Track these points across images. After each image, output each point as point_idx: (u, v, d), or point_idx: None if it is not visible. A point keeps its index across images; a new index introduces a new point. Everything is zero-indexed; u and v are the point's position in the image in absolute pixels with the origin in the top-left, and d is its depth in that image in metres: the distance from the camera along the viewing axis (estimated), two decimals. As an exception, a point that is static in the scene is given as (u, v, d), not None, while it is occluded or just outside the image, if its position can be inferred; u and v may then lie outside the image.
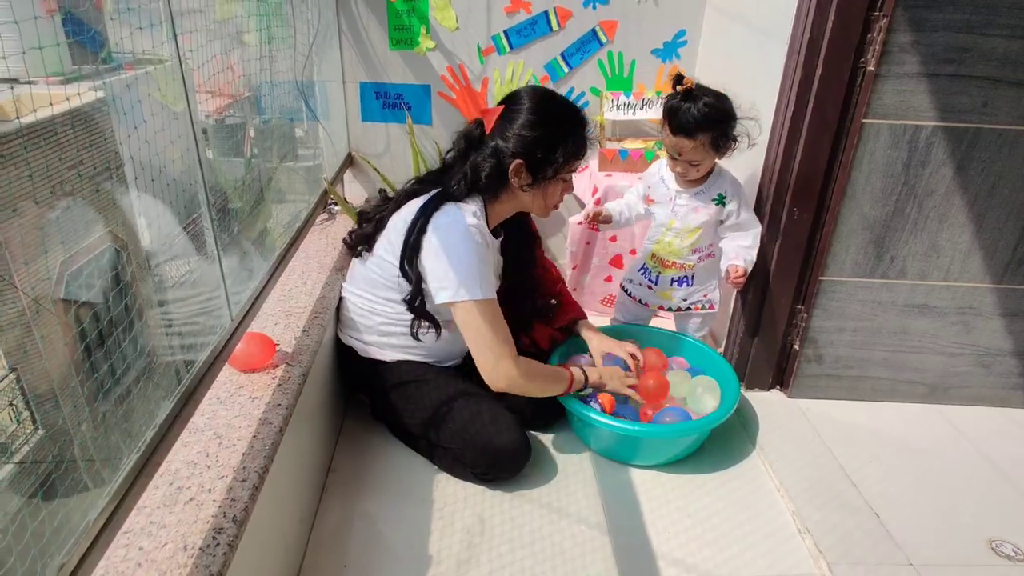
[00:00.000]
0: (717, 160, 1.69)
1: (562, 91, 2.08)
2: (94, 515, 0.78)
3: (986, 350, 1.83)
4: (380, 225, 1.60)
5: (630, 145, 2.29)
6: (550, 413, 1.72)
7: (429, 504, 1.51)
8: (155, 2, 1.06)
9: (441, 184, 1.55)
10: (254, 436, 1.15)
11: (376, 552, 1.38)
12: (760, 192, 1.77)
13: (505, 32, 2.27)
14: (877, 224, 1.69)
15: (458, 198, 1.50)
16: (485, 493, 1.55)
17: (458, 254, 1.44)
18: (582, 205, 2.37)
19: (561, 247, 2.52)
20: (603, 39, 2.28)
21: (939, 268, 1.73)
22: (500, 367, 1.47)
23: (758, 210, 1.76)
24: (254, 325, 1.41)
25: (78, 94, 0.97)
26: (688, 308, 1.88)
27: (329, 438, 1.66)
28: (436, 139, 2.41)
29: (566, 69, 2.32)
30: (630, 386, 1.66)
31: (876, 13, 1.47)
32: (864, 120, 1.57)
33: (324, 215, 2.27)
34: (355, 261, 1.69)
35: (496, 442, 1.50)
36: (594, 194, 2.20)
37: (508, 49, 2.29)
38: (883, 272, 1.75)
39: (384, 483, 1.57)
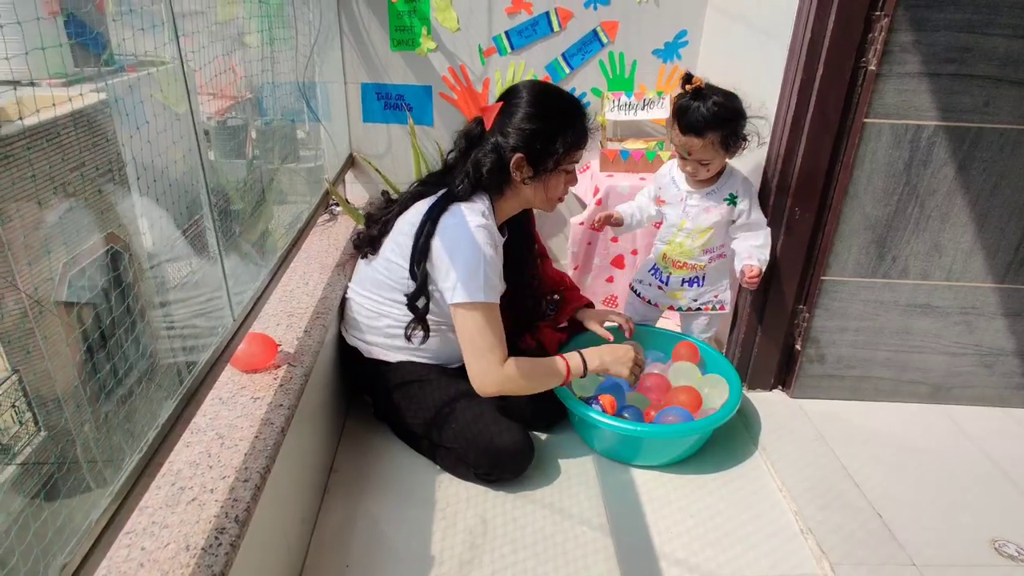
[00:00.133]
0: (728, 160, 1.69)
1: (563, 92, 2.07)
2: (96, 515, 0.78)
3: (989, 350, 1.82)
4: (386, 227, 1.60)
5: (631, 145, 2.29)
6: (552, 413, 1.72)
7: (431, 504, 1.51)
8: (157, 4, 1.06)
9: (445, 184, 1.55)
10: (256, 436, 1.15)
11: (378, 552, 1.38)
12: (762, 192, 1.76)
13: (506, 33, 2.27)
14: (879, 224, 1.69)
15: (463, 198, 1.50)
16: (487, 494, 1.54)
17: (463, 256, 1.44)
18: (583, 206, 2.37)
19: (562, 248, 2.52)
20: (604, 40, 2.28)
21: (941, 268, 1.73)
22: (489, 372, 1.47)
23: (760, 210, 1.75)
24: (256, 326, 1.42)
25: (80, 96, 0.97)
26: (698, 308, 1.88)
27: (331, 438, 1.67)
28: (438, 140, 2.42)
29: (567, 70, 2.32)
30: (636, 367, 1.60)
31: (877, 13, 1.47)
32: (865, 120, 1.57)
33: (325, 216, 2.27)
34: (361, 263, 1.69)
35: (498, 442, 1.50)
36: (595, 194, 2.20)
37: (509, 50, 2.29)
38: (885, 272, 1.74)
39: (386, 483, 1.57)
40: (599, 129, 2.31)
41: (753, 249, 1.70)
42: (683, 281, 1.84)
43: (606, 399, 1.62)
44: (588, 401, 1.64)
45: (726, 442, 1.73)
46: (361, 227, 1.80)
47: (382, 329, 1.62)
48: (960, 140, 1.58)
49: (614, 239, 2.25)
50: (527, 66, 2.32)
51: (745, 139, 1.62)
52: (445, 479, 1.59)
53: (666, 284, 1.87)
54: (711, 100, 1.57)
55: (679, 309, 1.91)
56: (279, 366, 1.37)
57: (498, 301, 1.49)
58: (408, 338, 1.59)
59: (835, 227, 1.69)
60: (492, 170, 1.49)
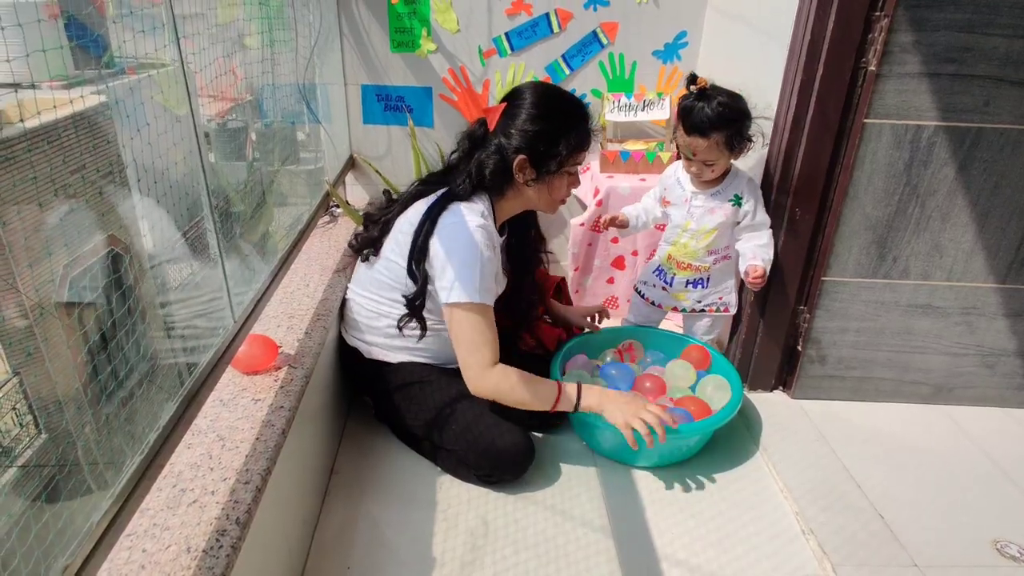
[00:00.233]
0: (733, 160, 1.69)
1: (563, 93, 2.07)
2: (97, 517, 0.78)
3: (990, 350, 1.82)
4: (386, 228, 1.60)
5: (631, 146, 2.29)
6: (552, 414, 1.72)
7: (432, 506, 1.51)
8: (157, 6, 1.07)
9: (446, 184, 1.55)
10: (257, 438, 1.15)
11: (379, 554, 1.38)
12: (762, 193, 1.76)
13: (506, 34, 2.27)
14: (879, 224, 1.69)
15: (463, 197, 1.50)
16: (488, 495, 1.54)
17: (460, 256, 1.44)
18: (584, 207, 2.37)
19: (563, 249, 2.52)
20: (604, 41, 2.28)
21: (942, 268, 1.73)
22: (481, 372, 1.47)
23: (760, 211, 1.76)
24: (257, 327, 1.42)
25: (81, 98, 0.97)
26: (702, 310, 1.88)
27: (332, 440, 1.66)
28: (438, 141, 2.42)
29: (567, 71, 2.33)
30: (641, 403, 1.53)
31: (877, 13, 1.47)
32: (866, 120, 1.57)
33: (326, 217, 2.27)
34: (360, 264, 1.69)
35: (499, 444, 1.50)
36: (596, 195, 2.20)
37: (509, 51, 2.29)
38: (886, 272, 1.74)
39: (387, 485, 1.57)
40: (601, 131, 2.31)
41: (757, 249, 1.70)
42: (687, 282, 1.84)
43: None
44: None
45: (727, 443, 1.73)
46: (359, 229, 1.80)
47: (382, 329, 1.62)
48: (960, 140, 1.58)
49: (615, 240, 2.25)
50: (527, 67, 2.32)
51: (750, 140, 1.62)
52: (446, 481, 1.59)
53: (670, 285, 1.87)
54: (716, 100, 1.57)
55: (683, 310, 1.91)
56: (280, 368, 1.37)
57: (492, 303, 1.49)
58: (400, 329, 1.58)
59: (835, 228, 1.69)
60: (495, 171, 1.49)
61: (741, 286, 1.85)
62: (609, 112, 2.29)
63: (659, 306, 1.93)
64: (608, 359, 1.89)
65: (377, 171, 2.42)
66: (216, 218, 1.20)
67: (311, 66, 2.04)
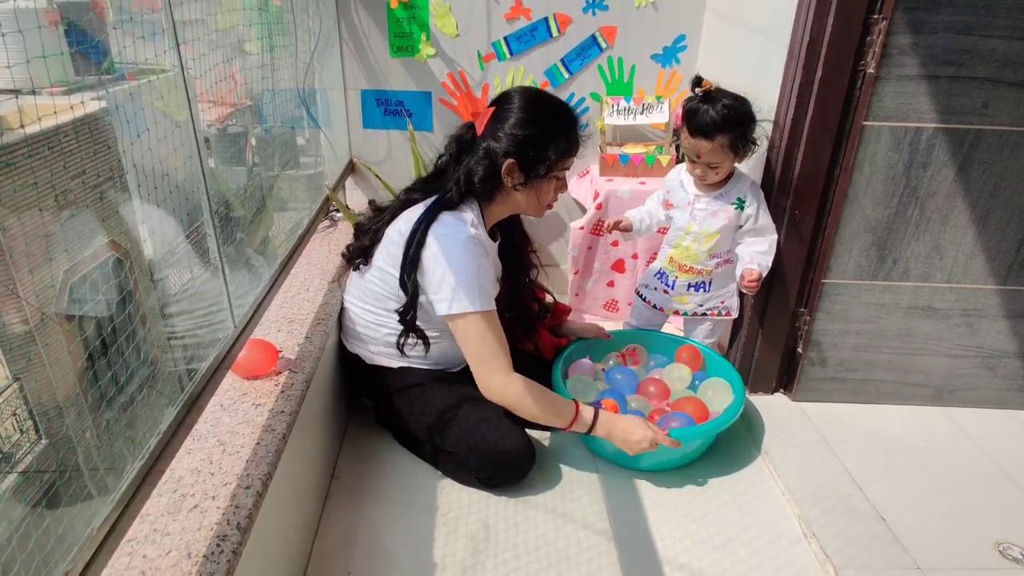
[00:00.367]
0: (737, 163, 1.69)
1: (562, 96, 2.08)
2: (98, 523, 0.78)
3: (991, 352, 1.82)
4: (376, 237, 1.59)
5: (631, 150, 2.29)
6: None
7: (433, 510, 1.51)
8: (157, 12, 1.07)
9: (435, 190, 1.54)
10: (257, 443, 1.15)
11: (380, 559, 1.38)
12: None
13: (505, 39, 2.27)
14: (879, 226, 1.69)
15: (452, 206, 1.50)
16: (490, 499, 1.54)
17: (457, 266, 1.44)
18: (583, 210, 2.37)
19: (563, 252, 2.52)
20: (603, 45, 2.29)
21: (942, 270, 1.73)
22: (496, 379, 1.47)
23: (760, 213, 1.76)
24: (257, 332, 1.42)
25: (82, 103, 0.98)
26: (704, 314, 1.88)
27: (332, 444, 1.66)
28: (437, 145, 2.41)
29: (566, 75, 2.33)
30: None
31: (875, 16, 1.48)
32: (865, 122, 1.57)
33: (326, 222, 2.27)
34: (354, 275, 1.69)
35: (501, 446, 1.49)
36: (595, 199, 2.20)
37: (508, 55, 2.30)
38: (886, 274, 1.74)
39: (388, 489, 1.57)
40: (592, 135, 2.31)
41: (756, 255, 1.70)
42: (689, 286, 1.84)
43: (607, 403, 1.62)
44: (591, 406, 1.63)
45: (728, 446, 1.73)
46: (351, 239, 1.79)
47: (382, 338, 1.62)
48: (959, 142, 1.59)
49: (615, 244, 2.25)
50: (526, 71, 2.32)
51: (754, 143, 1.62)
52: (447, 485, 1.59)
53: (671, 288, 1.87)
54: (721, 103, 1.57)
55: (684, 314, 1.91)
56: (280, 372, 1.37)
57: (494, 307, 1.48)
58: (402, 351, 1.58)
59: (835, 230, 1.69)
60: (484, 177, 1.48)
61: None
62: (608, 116, 2.29)
63: (660, 309, 1.93)
64: (611, 363, 1.89)
65: (377, 175, 2.42)
66: (216, 223, 1.21)
67: (311, 71, 2.04)
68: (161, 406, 1.01)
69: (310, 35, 2.04)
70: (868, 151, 1.60)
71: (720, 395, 1.69)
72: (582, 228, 2.22)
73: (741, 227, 1.73)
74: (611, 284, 2.33)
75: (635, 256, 2.26)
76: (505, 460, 1.51)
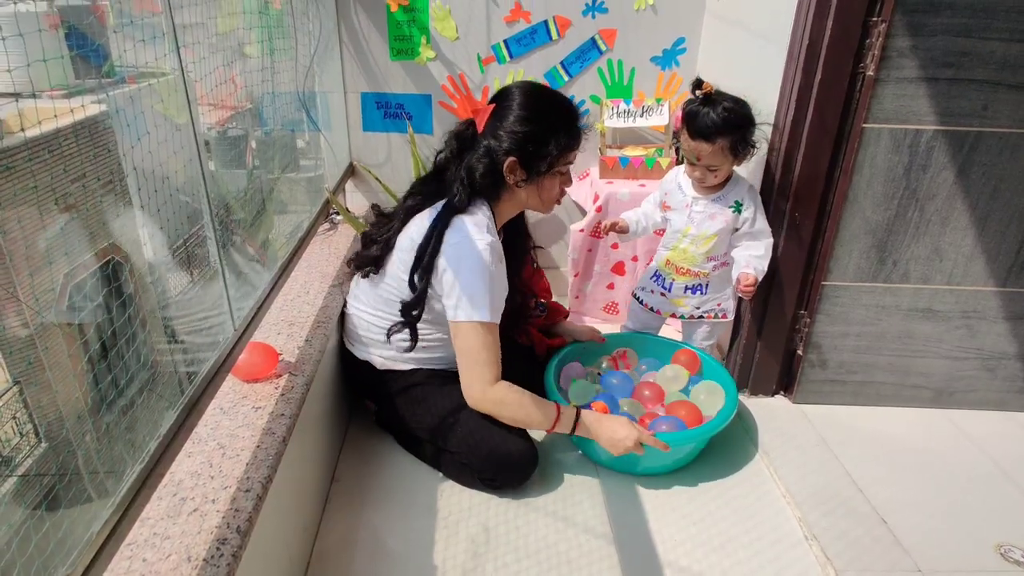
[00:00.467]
0: (736, 166, 1.69)
1: (562, 99, 2.08)
2: (97, 527, 0.78)
3: (991, 354, 1.82)
4: (388, 246, 1.57)
5: (631, 152, 2.29)
6: None
7: (434, 513, 1.51)
8: (158, 16, 1.07)
9: (439, 192, 1.54)
10: (257, 446, 1.15)
11: (380, 562, 1.37)
12: (762, 197, 1.76)
13: (505, 42, 2.28)
14: (879, 228, 1.69)
15: (463, 208, 1.50)
16: (490, 502, 1.54)
17: (469, 274, 1.43)
18: (583, 212, 2.37)
19: (563, 254, 2.52)
20: (602, 47, 2.29)
21: (942, 272, 1.73)
22: (482, 388, 1.46)
23: (760, 216, 1.76)
24: (257, 335, 1.42)
25: (82, 107, 0.98)
26: (701, 316, 1.88)
27: (333, 447, 1.66)
28: (437, 148, 2.41)
29: (566, 77, 2.33)
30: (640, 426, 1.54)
31: (874, 18, 1.48)
32: (864, 125, 1.57)
33: (326, 225, 2.28)
34: (362, 281, 1.67)
35: (503, 448, 1.49)
36: (595, 201, 2.20)
37: (508, 58, 2.30)
38: (886, 276, 1.74)
39: (388, 492, 1.57)
40: (596, 135, 2.32)
41: (752, 259, 1.71)
42: (686, 288, 1.84)
43: (598, 406, 1.61)
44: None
45: (729, 448, 1.72)
46: (358, 247, 1.77)
47: (394, 344, 1.62)
48: (959, 144, 1.59)
49: (615, 246, 2.25)
50: (526, 74, 2.33)
51: (754, 145, 1.63)
52: (447, 487, 1.59)
53: (669, 291, 1.86)
54: (721, 106, 1.57)
55: (681, 317, 1.91)
56: (280, 375, 1.37)
57: (498, 320, 1.48)
58: (388, 337, 1.58)
59: (835, 232, 1.69)
60: (486, 175, 1.48)
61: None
62: (608, 118, 2.29)
63: (658, 312, 1.93)
64: (603, 366, 1.88)
65: (377, 178, 2.42)
66: (216, 226, 1.21)
67: (311, 74, 2.05)
68: (161, 409, 1.01)
69: (310, 38, 2.05)
70: (868, 153, 1.60)
71: (713, 397, 1.69)
72: (582, 230, 2.22)
73: (737, 230, 1.73)
74: (611, 287, 2.33)
75: (635, 258, 2.27)
76: (508, 462, 1.51)
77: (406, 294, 1.54)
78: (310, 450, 1.45)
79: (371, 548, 1.41)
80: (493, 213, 1.54)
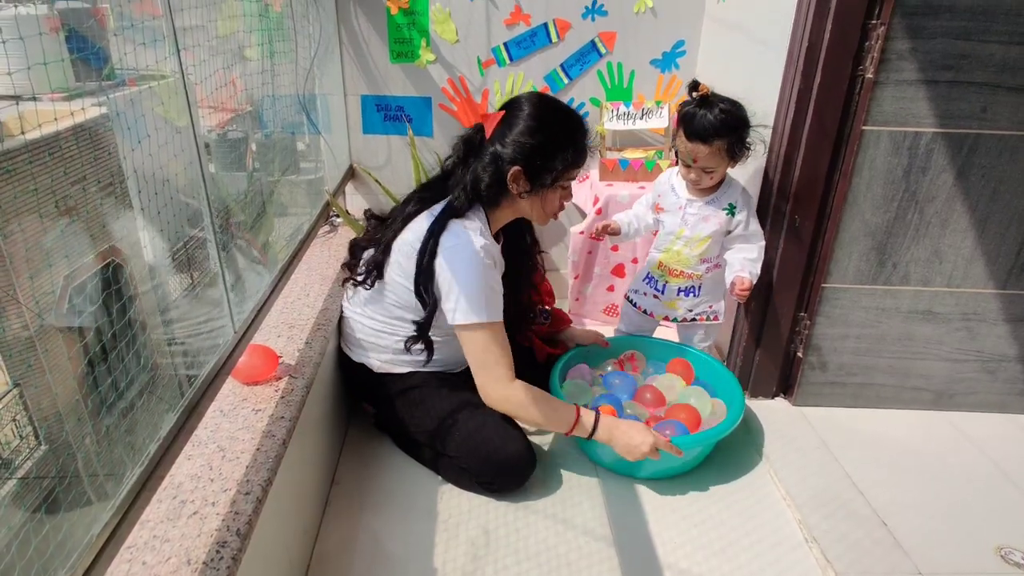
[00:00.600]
0: (731, 168, 1.69)
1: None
2: (97, 529, 0.78)
3: (991, 356, 1.82)
4: (387, 250, 1.57)
5: (630, 155, 2.29)
6: None
7: (433, 516, 1.50)
8: (158, 19, 1.07)
9: (440, 194, 1.54)
10: (257, 449, 1.15)
11: (380, 565, 1.37)
12: (761, 200, 1.77)
13: (505, 44, 2.28)
14: (879, 231, 1.69)
15: (461, 212, 1.50)
16: (490, 505, 1.54)
17: (466, 277, 1.43)
18: (583, 215, 2.37)
19: (563, 257, 2.52)
20: (602, 50, 2.29)
21: (942, 274, 1.73)
22: (497, 389, 1.47)
23: (760, 218, 1.76)
24: (257, 337, 1.42)
25: (82, 110, 0.98)
26: (693, 319, 1.88)
27: (333, 450, 1.66)
28: (437, 150, 2.42)
29: (566, 80, 2.34)
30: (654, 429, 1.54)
31: (874, 21, 1.48)
32: (864, 127, 1.57)
33: (326, 227, 2.28)
34: (359, 287, 1.67)
35: (501, 451, 1.49)
36: (595, 204, 2.21)
37: (508, 61, 2.30)
38: (886, 278, 1.74)
39: (388, 495, 1.57)
40: (596, 137, 2.32)
41: (746, 262, 1.71)
42: (679, 290, 1.84)
43: (606, 409, 1.61)
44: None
45: (729, 451, 1.72)
46: (348, 259, 1.76)
47: (391, 347, 1.61)
48: (958, 146, 1.59)
49: (614, 248, 2.25)
50: (526, 77, 2.33)
51: (749, 147, 1.63)
52: (447, 490, 1.59)
53: (662, 293, 1.86)
54: (718, 107, 1.57)
55: (674, 319, 1.91)
56: (280, 378, 1.37)
57: (501, 318, 1.48)
58: (407, 348, 1.58)
59: (835, 234, 1.69)
60: (490, 183, 1.48)
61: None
62: (608, 121, 2.29)
63: (651, 315, 1.93)
64: (609, 369, 1.88)
65: (377, 181, 2.43)
66: (216, 228, 1.21)
67: (311, 77, 2.05)
68: (161, 412, 1.01)
69: (310, 41, 2.05)
70: (867, 156, 1.61)
71: (701, 401, 1.69)
72: (582, 233, 2.23)
73: (730, 232, 1.74)
74: (611, 289, 2.33)
75: (635, 261, 2.27)
76: (506, 465, 1.51)
77: (406, 300, 1.54)
78: (310, 453, 1.45)
79: (371, 551, 1.41)
80: (489, 218, 1.54)
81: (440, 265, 1.45)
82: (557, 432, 1.53)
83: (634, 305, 1.95)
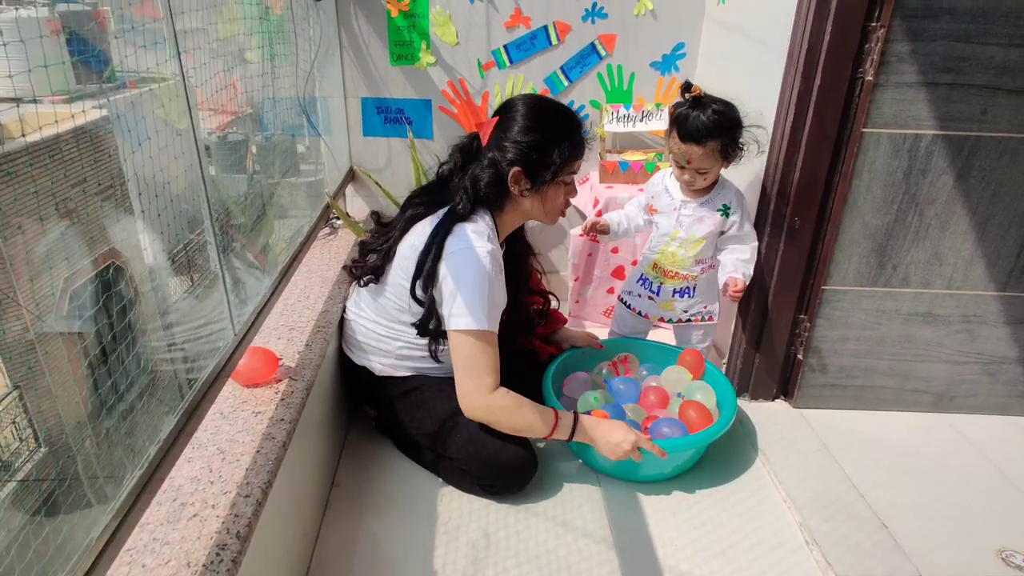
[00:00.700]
0: (724, 169, 1.69)
1: (562, 104, 2.08)
2: (97, 532, 0.78)
3: (991, 358, 1.82)
4: (389, 255, 1.57)
5: (631, 157, 2.30)
6: None
7: (434, 519, 1.50)
8: (159, 21, 1.07)
9: (442, 201, 1.54)
10: (257, 451, 1.15)
11: (380, 567, 1.37)
12: (761, 202, 1.77)
13: (505, 47, 2.28)
14: (879, 233, 1.69)
15: (465, 217, 1.50)
16: (490, 507, 1.54)
17: (468, 283, 1.43)
18: (583, 217, 2.37)
19: (562, 259, 2.52)
20: (602, 52, 2.30)
21: (942, 276, 1.73)
22: (482, 396, 1.45)
23: (759, 220, 1.76)
24: (257, 340, 1.42)
25: (83, 112, 0.98)
26: (689, 319, 1.88)
27: (333, 452, 1.66)
28: (437, 153, 2.42)
29: (566, 82, 2.34)
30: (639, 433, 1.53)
31: (874, 23, 1.48)
32: (864, 129, 1.58)
33: (326, 230, 2.28)
34: (362, 290, 1.67)
35: (502, 454, 1.49)
36: (595, 206, 2.21)
37: (508, 63, 2.31)
38: (886, 281, 1.74)
39: (388, 497, 1.57)
40: (596, 140, 2.32)
41: (739, 263, 1.71)
42: (674, 291, 1.84)
43: (597, 413, 1.61)
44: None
45: (729, 453, 1.72)
46: (356, 256, 1.77)
47: (394, 351, 1.61)
48: (958, 149, 1.59)
49: (614, 250, 2.25)
50: (526, 79, 2.33)
51: (742, 148, 1.63)
52: (447, 492, 1.59)
53: (657, 295, 1.86)
54: (711, 108, 1.57)
55: (669, 321, 1.91)
56: (280, 380, 1.37)
57: (496, 329, 1.47)
58: (436, 358, 1.57)
59: (835, 236, 1.69)
60: (490, 184, 1.48)
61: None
62: (608, 123, 2.30)
63: (645, 316, 1.92)
64: (603, 372, 1.88)
65: (377, 183, 2.43)
66: (216, 231, 1.21)
67: (311, 79, 2.05)
68: (161, 414, 1.01)
69: (311, 44, 2.05)
70: (867, 158, 1.61)
71: (707, 396, 1.69)
72: (581, 235, 2.23)
73: (724, 233, 1.74)
74: (611, 291, 2.33)
75: (635, 263, 2.27)
76: (507, 468, 1.51)
77: (407, 303, 1.54)
78: (310, 455, 1.45)
79: (371, 553, 1.41)
80: (496, 223, 1.54)
81: (443, 270, 1.45)
82: (537, 436, 1.51)
83: (628, 307, 1.95)
